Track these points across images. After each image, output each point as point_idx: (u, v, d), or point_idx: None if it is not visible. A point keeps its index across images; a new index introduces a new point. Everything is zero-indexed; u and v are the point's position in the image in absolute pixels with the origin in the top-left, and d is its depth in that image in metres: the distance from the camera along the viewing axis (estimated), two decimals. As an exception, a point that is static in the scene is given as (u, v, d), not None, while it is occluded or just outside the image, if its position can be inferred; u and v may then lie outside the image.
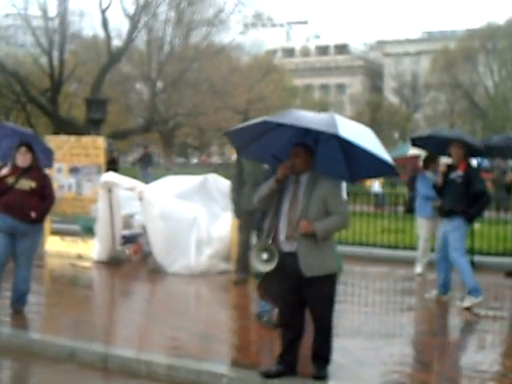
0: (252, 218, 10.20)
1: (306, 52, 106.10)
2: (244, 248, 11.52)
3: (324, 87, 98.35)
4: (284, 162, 6.60)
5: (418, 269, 12.70)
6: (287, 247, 6.44)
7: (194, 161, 77.52)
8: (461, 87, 70.72)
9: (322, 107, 78.09)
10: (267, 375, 6.66)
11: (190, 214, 12.77)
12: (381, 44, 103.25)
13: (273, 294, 6.81)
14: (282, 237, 6.48)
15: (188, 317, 9.47)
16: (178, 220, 12.49)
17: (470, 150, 10.40)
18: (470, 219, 10.43)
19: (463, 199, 10.13)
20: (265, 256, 6.40)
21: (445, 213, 10.36)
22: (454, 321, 9.81)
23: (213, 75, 46.94)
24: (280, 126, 6.44)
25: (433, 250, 12.37)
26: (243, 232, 11.35)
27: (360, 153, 6.16)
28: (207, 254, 12.55)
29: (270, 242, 6.46)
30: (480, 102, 71.42)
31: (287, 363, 6.70)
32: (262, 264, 6.43)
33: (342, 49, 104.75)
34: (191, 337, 8.36)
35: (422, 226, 12.61)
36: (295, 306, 6.62)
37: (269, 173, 9.12)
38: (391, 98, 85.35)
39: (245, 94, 50.95)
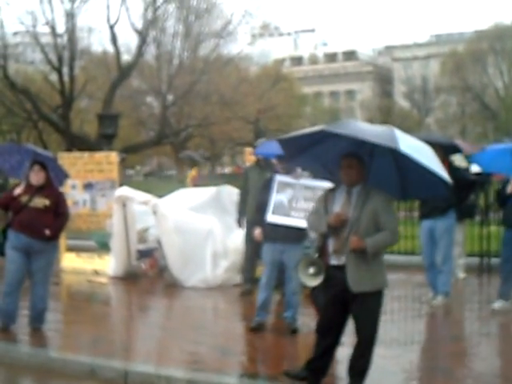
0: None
1: (314, 60, 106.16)
2: (248, 258, 11.59)
3: (334, 94, 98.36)
4: (335, 172, 6.53)
5: (461, 274, 12.77)
6: (335, 260, 6.30)
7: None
8: (471, 89, 70.57)
9: (333, 114, 78.20)
10: (287, 375, 6.65)
11: (205, 227, 12.75)
12: (389, 49, 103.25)
13: (319, 305, 6.71)
14: (330, 249, 6.34)
15: (206, 330, 9.46)
16: (192, 233, 12.47)
17: (447, 149, 10.69)
18: (466, 212, 11.61)
19: (454, 196, 10.40)
20: (311, 270, 6.29)
21: (439, 212, 10.49)
22: (474, 326, 9.76)
23: (222, 86, 47.06)
24: (335, 136, 6.23)
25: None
26: (247, 243, 11.42)
27: (415, 171, 6.06)
28: (223, 267, 12.52)
29: (318, 255, 6.35)
30: (491, 103, 71.25)
31: (314, 371, 6.64)
32: (309, 278, 6.33)
33: (350, 55, 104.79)
34: (210, 350, 8.35)
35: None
36: (336, 318, 6.50)
37: (269, 181, 9.22)
38: (402, 102, 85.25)
39: (255, 104, 51.02)
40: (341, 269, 6.24)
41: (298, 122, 64.39)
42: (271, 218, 8.94)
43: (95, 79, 46.69)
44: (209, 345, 8.59)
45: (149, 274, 13.68)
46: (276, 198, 9.00)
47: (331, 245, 6.33)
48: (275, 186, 9.04)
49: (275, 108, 55.06)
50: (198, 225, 12.78)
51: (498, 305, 10.18)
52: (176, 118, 49.83)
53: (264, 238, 9.14)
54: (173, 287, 12.33)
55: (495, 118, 69.88)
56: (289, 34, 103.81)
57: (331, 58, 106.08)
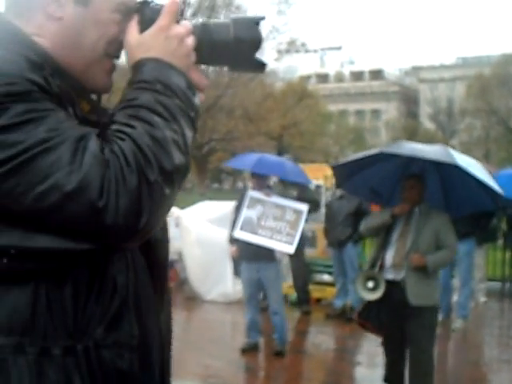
0: None
1: (340, 77, 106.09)
2: None
3: (359, 113, 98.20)
4: (383, 195, 6.67)
5: (482, 298, 12.71)
6: (392, 275, 6.32)
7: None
8: (496, 113, 70.21)
9: (357, 133, 78.06)
10: None
11: (226, 241, 12.74)
12: (416, 70, 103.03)
13: (375, 322, 6.59)
14: (387, 264, 6.35)
15: (224, 345, 9.45)
16: (214, 247, 12.46)
17: None
18: (487, 236, 11.47)
19: (475, 221, 10.40)
20: (370, 284, 6.31)
21: (458, 236, 10.45)
22: (494, 352, 9.67)
23: (247, 101, 47.18)
24: (384, 158, 6.44)
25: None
26: None
27: (462, 188, 6.24)
28: (244, 282, 12.50)
29: (373, 268, 6.37)
30: (515, 128, 70.87)
31: None
32: (368, 292, 6.34)
33: (376, 74, 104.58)
34: (227, 365, 8.34)
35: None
36: (398, 335, 6.42)
37: (243, 197, 9.14)
38: (427, 123, 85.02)
39: (279, 120, 51.09)
40: (397, 284, 6.25)
41: (321, 140, 64.39)
42: (238, 233, 8.74)
43: (120, 90, 46.96)
44: (226, 359, 8.58)
45: (169, 285, 13.68)
46: (246, 213, 8.80)
47: (391, 259, 6.34)
48: (246, 202, 8.87)
49: (299, 125, 55.10)
50: (220, 239, 12.76)
51: None
52: (199, 132, 49.86)
53: (240, 256, 9.04)
54: (192, 300, 12.32)
55: (520, 143, 69.47)
56: (315, 50, 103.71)
57: (357, 76, 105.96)
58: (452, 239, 6.38)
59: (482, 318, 11.80)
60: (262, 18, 1.75)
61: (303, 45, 57.47)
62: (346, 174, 6.79)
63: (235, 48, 1.73)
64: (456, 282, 10.98)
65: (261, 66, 1.78)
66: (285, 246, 8.68)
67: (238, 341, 9.92)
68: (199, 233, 12.48)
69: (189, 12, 45.77)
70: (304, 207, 8.93)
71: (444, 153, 6.03)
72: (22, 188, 1.45)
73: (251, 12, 48.39)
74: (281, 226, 8.67)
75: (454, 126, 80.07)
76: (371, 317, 6.56)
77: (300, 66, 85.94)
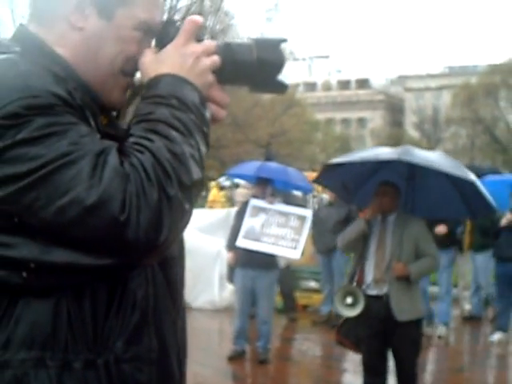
0: None
1: (327, 86, 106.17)
2: None
3: (345, 121, 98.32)
4: (351, 191, 6.65)
5: (467, 305, 12.78)
6: (374, 290, 6.16)
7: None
8: (482, 122, 70.49)
9: (343, 141, 78.17)
10: None
11: (214, 249, 12.79)
12: (402, 79, 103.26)
13: (353, 338, 6.42)
14: (368, 280, 6.20)
15: (211, 352, 9.48)
16: (201, 255, 12.46)
17: None
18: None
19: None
20: (349, 300, 6.11)
21: (437, 244, 10.53)
22: (479, 357, 9.77)
23: (235, 108, 47.20)
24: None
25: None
26: None
27: (435, 193, 6.33)
28: (231, 289, 12.54)
29: (351, 283, 6.23)
30: (501, 136, 71.13)
31: None
32: (347, 309, 6.16)
33: (363, 83, 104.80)
34: (214, 372, 8.39)
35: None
36: (380, 351, 6.29)
37: (245, 206, 9.16)
38: (412, 132, 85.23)
39: (267, 128, 51.12)
40: (379, 299, 6.10)
41: (309, 148, 64.43)
42: (241, 242, 8.72)
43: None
44: (213, 367, 8.63)
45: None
46: (248, 222, 8.78)
47: (371, 274, 6.20)
48: (249, 210, 8.86)
49: (287, 133, 55.14)
50: (206, 246, 12.82)
51: (496, 337, 10.26)
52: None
53: (236, 263, 9.01)
54: (179, 307, 12.32)
55: (505, 152, 69.70)
56: (303, 59, 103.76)
57: (344, 85, 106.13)
58: (433, 247, 6.29)
59: (465, 325, 11.88)
60: (284, 40, 1.79)
61: (291, 53, 57.60)
62: (326, 169, 6.74)
63: (258, 69, 1.75)
64: (433, 289, 11.12)
65: (282, 87, 1.81)
66: (290, 252, 8.71)
67: (225, 348, 9.98)
68: (186, 240, 12.46)
69: (177, 16, 45.80)
70: (308, 213, 9.02)
71: (457, 166, 6.06)
72: (42, 202, 1.45)
73: (239, 18, 48.48)
74: (285, 233, 8.67)
75: (439, 135, 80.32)
76: (350, 333, 6.44)
77: (288, 75, 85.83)
